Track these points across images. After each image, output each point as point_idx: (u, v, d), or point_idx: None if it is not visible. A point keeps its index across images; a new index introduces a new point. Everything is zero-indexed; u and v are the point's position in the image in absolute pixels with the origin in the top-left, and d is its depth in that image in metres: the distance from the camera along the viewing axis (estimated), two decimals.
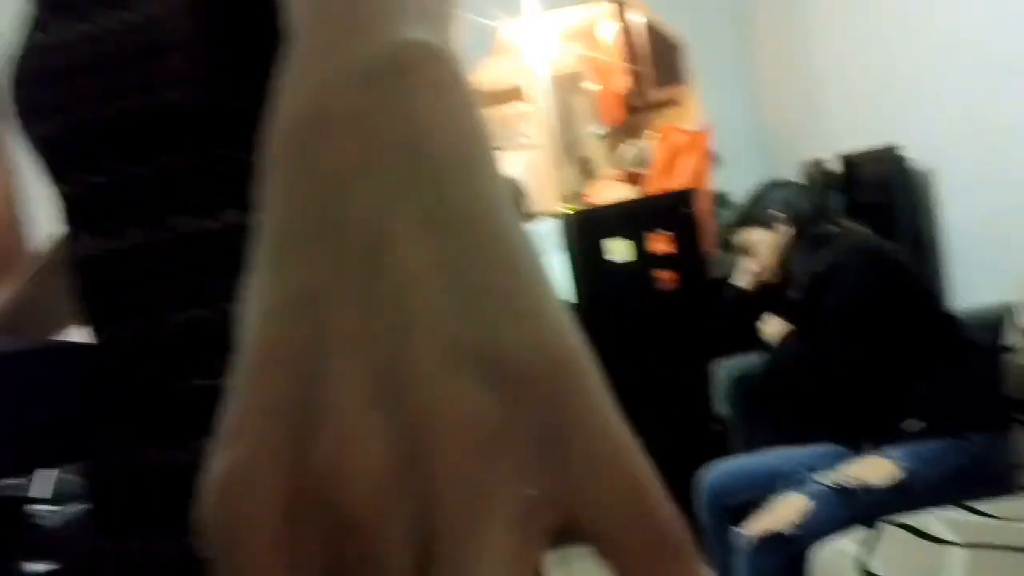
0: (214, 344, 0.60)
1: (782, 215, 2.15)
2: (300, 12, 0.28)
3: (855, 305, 1.86)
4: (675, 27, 4.74)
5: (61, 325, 0.80)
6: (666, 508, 0.20)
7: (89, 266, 0.65)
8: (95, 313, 0.66)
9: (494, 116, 5.20)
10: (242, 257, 0.56)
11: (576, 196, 4.68)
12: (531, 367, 0.20)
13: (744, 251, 2.24)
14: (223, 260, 0.60)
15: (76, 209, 0.66)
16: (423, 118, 0.23)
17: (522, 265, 0.22)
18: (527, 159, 5.30)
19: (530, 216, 3.88)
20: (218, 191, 0.61)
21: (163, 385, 0.62)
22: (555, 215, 3.56)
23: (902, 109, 2.86)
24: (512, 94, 5.32)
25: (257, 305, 0.22)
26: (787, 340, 2.10)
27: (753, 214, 2.22)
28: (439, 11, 0.27)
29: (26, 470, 0.93)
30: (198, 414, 0.59)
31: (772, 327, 2.18)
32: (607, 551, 0.20)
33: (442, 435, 0.19)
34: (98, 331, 0.66)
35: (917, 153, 2.70)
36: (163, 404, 0.63)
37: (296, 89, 0.24)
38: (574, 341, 0.21)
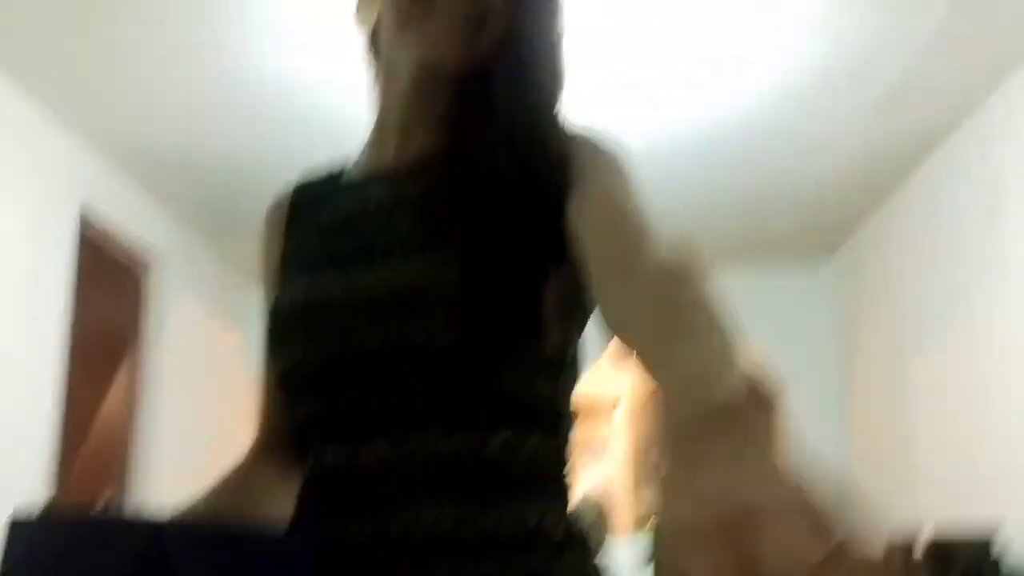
0: (441, 545, 0.68)
1: None
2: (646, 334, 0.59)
3: None
4: (768, 363, 4.86)
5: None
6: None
7: (331, 476, 0.72)
8: (328, 516, 0.71)
9: (586, 431, 5.26)
10: (469, 472, 0.70)
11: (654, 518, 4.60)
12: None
13: None
14: (453, 474, 0.69)
15: (320, 428, 0.73)
16: (764, 446, 0.47)
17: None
18: (607, 474, 5.29)
19: (610, 535, 3.81)
20: (459, 414, 0.70)
21: None
22: (633, 536, 3.51)
23: (1003, 488, 2.81)
24: (611, 405, 5.43)
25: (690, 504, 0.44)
26: None
27: None
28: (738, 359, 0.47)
29: None
30: None
31: None
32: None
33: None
34: (329, 532, 0.70)
35: (1016, 540, 2.62)
36: None
37: (671, 419, 0.48)
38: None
